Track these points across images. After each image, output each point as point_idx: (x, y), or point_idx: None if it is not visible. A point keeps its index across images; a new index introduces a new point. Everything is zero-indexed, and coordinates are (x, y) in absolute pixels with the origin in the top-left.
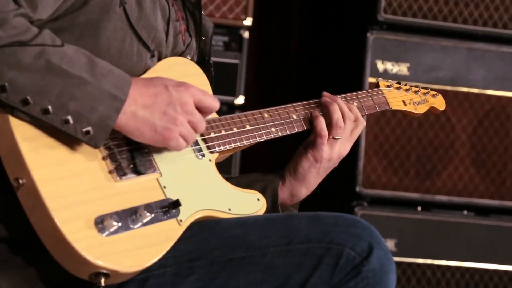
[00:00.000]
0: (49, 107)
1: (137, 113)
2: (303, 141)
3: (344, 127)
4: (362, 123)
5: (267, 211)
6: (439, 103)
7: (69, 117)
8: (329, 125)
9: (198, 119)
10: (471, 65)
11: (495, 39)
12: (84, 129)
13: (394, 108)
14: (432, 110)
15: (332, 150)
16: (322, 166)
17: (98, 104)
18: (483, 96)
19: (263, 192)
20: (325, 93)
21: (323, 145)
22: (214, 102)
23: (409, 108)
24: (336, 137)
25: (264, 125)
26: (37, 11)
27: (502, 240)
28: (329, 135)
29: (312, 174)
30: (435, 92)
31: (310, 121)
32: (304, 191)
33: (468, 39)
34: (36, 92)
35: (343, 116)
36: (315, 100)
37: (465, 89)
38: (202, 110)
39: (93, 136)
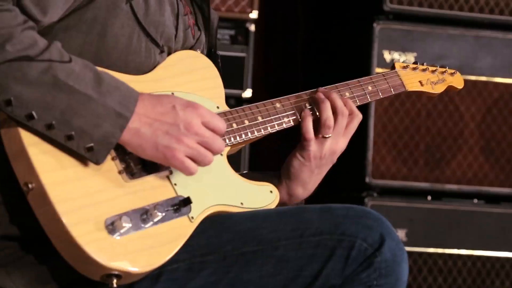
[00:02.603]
0: (53, 123)
1: (140, 130)
2: None
3: (334, 125)
4: (358, 116)
5: None
6: (458, 81)
7: (73, 133)
8: (319, 123)
9: (209, 138)
10: (478, 53)
11: (501, 26)
12: (87, 146)
13: (410, 89)
14: (450, 89)
15: (323, 148)
16: (314, 164)
17: (102, 121)
18: (491, 84)
19: None
20: (320, 89)
21: (309, 146)
22: (221, 125)
23: (426, 88)
24: (326, 136)
25: (277, 115)
26: (48, 15)
27: None
28: (319, 133)
29: (304, 172)
30: (453, 70)
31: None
32: (300, 190)
33: (475, 27)
34: (41, 107)
35: (335, 112)
36: (327, 87)
37: (473, 77)
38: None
39: (95, 153)
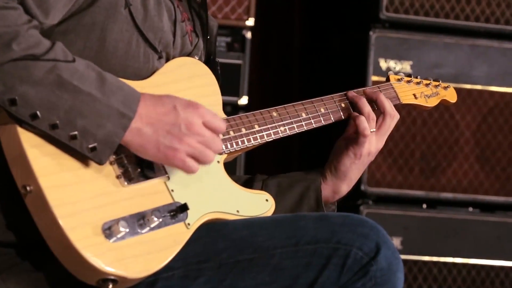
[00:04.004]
0: (57, 122)
1: (142, 130)
2: (339, 139)
3: (381, 125)
4: (390, 114)
5: (310, 210)
6: (451, 95)
7: (76, 133)
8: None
9: (209, 138)
10: (473, 61)
11: (497, 35)
12: (90, 146)
13: (404, 102)
14: (443, 103)
15: (371, 145)
16: (361, 162)
17: (106, 121)
18: (486, 93)
19: (306, 191)
20: (350, 92)
21: (365, 143)
22: (221, 124)
23: (420, 101)
24: (372, 130)
25: (273, 124)
26: (49, 17)
27: (508, 236)
28: None
29: (353, 170)
30: (446, 85)
31: (319, 119)
32: (345, 188)
33: (471, 36)
34: (46, 107)
35: (384, 112)
36: (323, 97)
37: (468, 86)
38: (210, 130)
39: (98, 153)
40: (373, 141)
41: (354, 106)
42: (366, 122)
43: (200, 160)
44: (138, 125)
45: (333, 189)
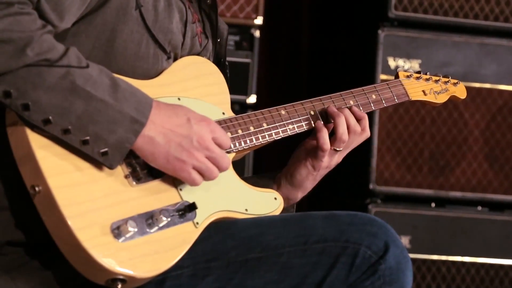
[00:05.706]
0: (70, 128)
1: (154, 138)
2: (301, 144)
3: (347, 140)
4: (367, 134)
5: None
6: (460, 92)
7: (88, 138)
8: (333, 136)
9: (218, 155)
10: (482, 60)
11: (506, 33)
12: (102, 150)
13: (413, 98)
14: (453, 99)
15: (331, 160)
16: (320, 174)
17: (118, 127)
18: (496, 91)
19: None
20: (331, 106)
21: (324, 157)
22: (227, 142)
23: (429, 98)
24: (338, 149)
25: (281, 122)
26: (64, 20)
27: None
28: (331, 145)
29: (309, 181)
30: (456, 81)
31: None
32: (300, 195)
33: (480, 34)
34: (58, 113)
35: (348, 129)
36: (331, 95)
37: (477, 85)
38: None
39: (109, 158)
40: (335, 158)
41: (330, 121)
42: (327, 137)
43: (204, 175)
44: (152, 134)
45: (287, 196)
